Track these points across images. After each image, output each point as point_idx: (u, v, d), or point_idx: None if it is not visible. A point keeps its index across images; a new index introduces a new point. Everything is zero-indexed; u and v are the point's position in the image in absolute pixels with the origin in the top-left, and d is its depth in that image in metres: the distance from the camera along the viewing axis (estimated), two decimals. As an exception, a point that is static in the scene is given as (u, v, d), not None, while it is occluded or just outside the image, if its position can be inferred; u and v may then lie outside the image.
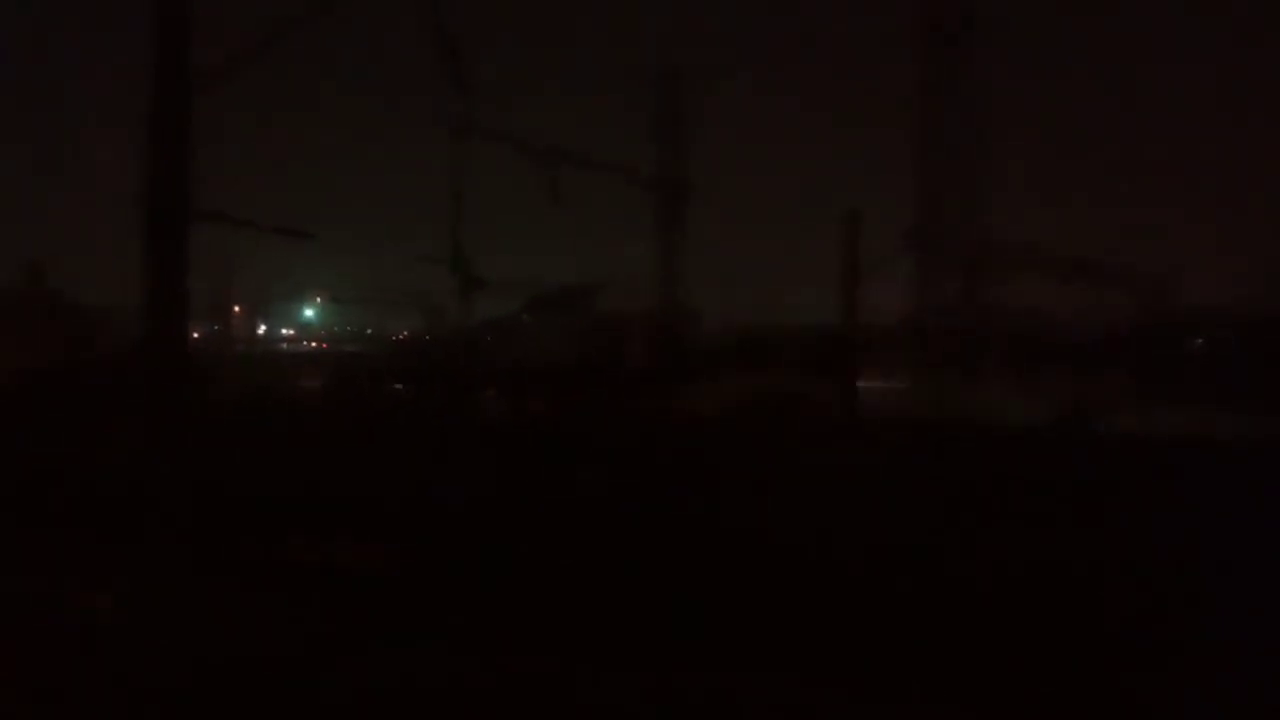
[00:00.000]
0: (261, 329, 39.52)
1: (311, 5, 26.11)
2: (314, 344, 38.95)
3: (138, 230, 24.45)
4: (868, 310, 29.95)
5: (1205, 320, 24.01)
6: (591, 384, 26.93)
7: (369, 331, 38.99)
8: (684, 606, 8.79)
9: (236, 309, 36.77)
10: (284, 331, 40.78)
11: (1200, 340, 24.18)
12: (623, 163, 29.46)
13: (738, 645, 7.94)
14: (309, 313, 39.67)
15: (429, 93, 29.18)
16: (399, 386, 27.94)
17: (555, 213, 29.99)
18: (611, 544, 10.53)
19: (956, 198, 24.41)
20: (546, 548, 10.44)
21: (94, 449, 14.76)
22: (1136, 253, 25.55)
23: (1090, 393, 20.11)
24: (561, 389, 26.23)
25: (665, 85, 29.13)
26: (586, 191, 31.82)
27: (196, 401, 19.13)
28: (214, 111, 25.07)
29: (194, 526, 11.24)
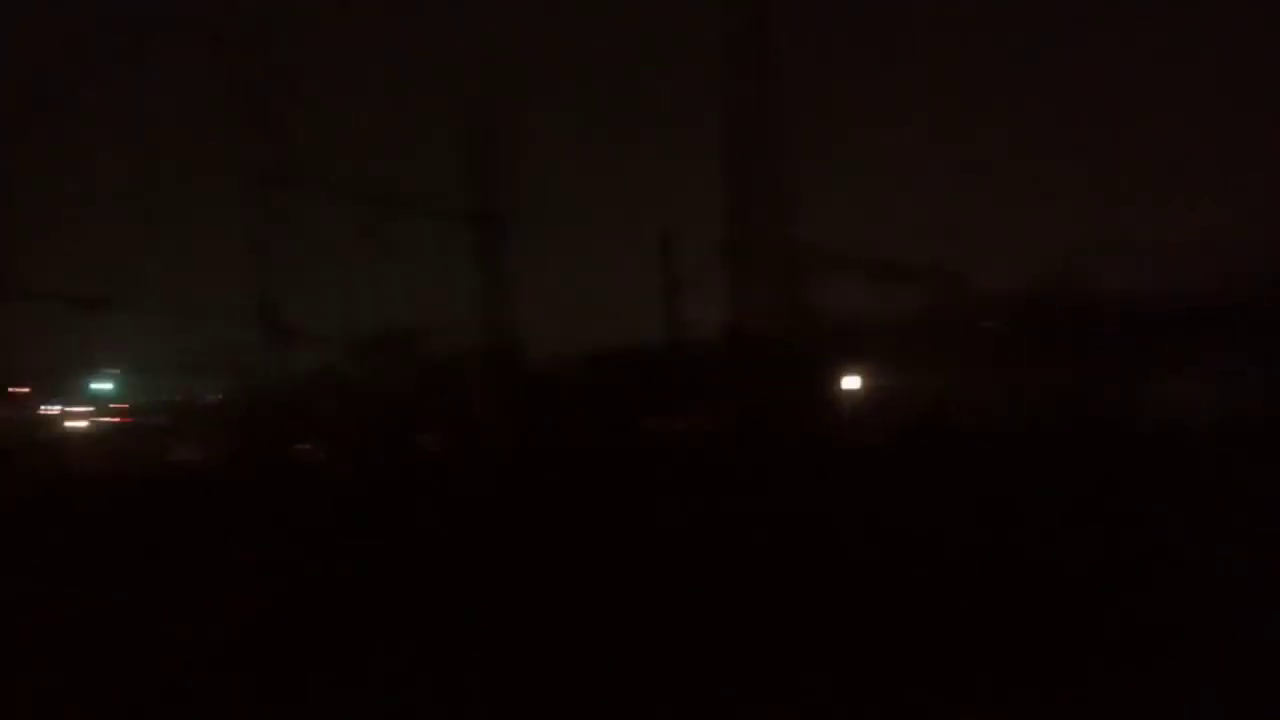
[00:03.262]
0: (55, 408, 36.61)
1: (108, 58, 24.67)
2: (115, 419, 36.44)
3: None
4: (686, 324, 30.60)
5: (996, 307, 25.79)
6: (422, 425, 26.43)
7: (176, 399, 36.85)
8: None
9: (23, 390, 34.08)
10: (77, 409, 37.87)
11: (989, 324, 25.92)
12: (439, 201, 29.05)
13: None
14: (107, 385, 37.04)
15: (232, 142, 27.88)
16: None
17: (372, 256, 29.27)
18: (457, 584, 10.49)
19: (765, 208, 25.44)
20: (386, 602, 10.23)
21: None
22: (938, 249, 27.25)
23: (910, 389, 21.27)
24: (393, 433, 25.65)
25: (475, 122, 28.91)
26: (404, 233, 31.18)
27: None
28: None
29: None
